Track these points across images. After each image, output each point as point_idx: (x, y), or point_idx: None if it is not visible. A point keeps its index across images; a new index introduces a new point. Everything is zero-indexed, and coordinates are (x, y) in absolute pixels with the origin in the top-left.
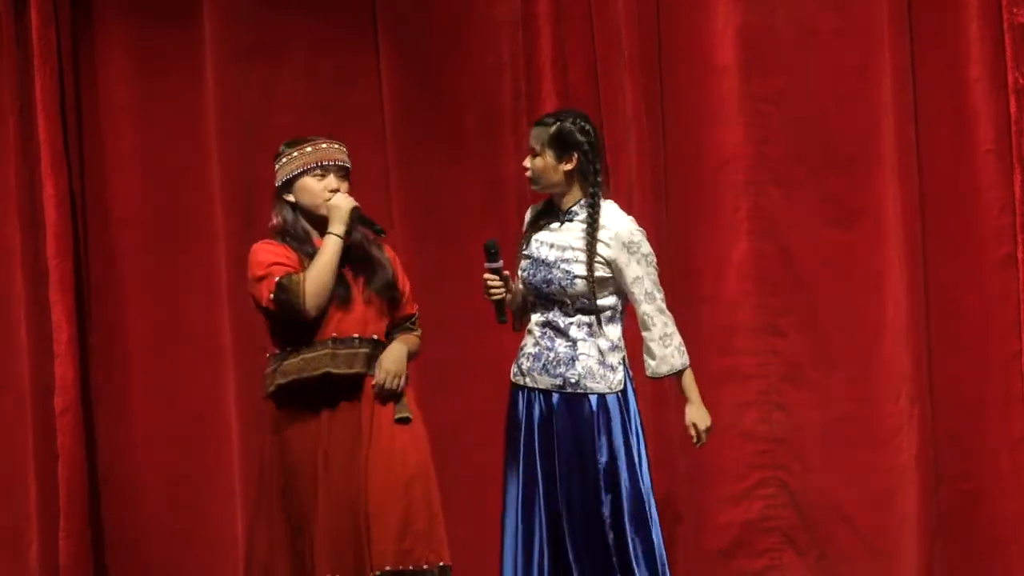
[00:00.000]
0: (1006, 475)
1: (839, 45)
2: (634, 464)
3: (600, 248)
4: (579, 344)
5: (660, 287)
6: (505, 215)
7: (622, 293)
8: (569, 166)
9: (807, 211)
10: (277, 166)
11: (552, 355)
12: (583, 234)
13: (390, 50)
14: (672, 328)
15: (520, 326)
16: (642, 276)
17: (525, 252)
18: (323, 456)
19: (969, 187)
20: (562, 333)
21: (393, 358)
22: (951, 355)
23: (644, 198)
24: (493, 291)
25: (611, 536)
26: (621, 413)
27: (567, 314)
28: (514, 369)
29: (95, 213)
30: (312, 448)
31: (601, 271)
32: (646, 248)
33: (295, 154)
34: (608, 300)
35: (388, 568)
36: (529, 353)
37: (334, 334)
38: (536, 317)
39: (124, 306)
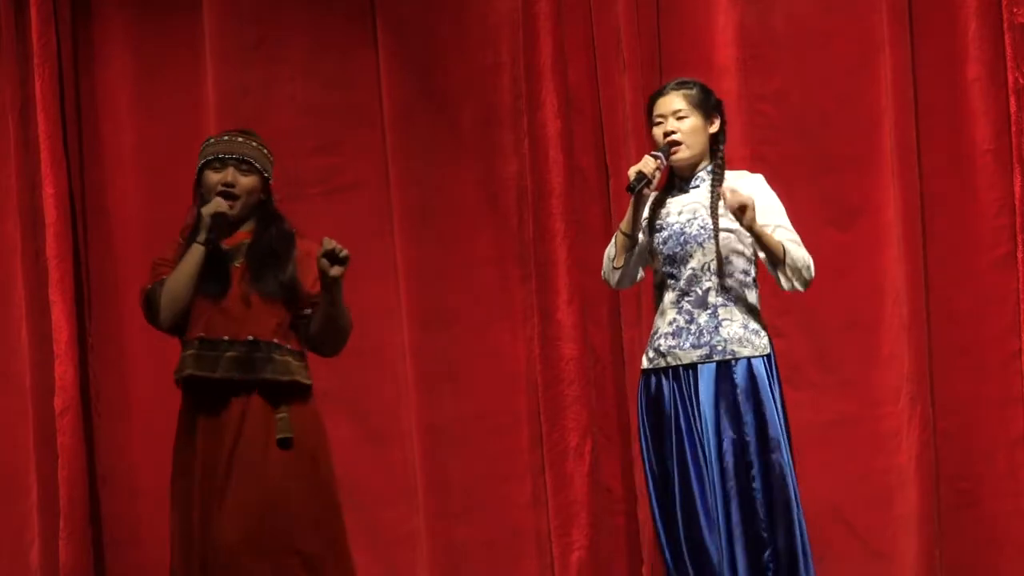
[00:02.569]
0: (1004, 475)
1: (838, 45)
2: (780, 434)
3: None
4: (719, 310)
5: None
6: (504, 214)
7: (755, 258)
8: (714, 128)
9: (806, 211)
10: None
11: (694, 327)
12: (711, 189)
13: (389, 49)
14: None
15: (628, 274)
16: (782, 222)
17: (658, 225)
18: (199, 468)
19: (968, 187)
20: (701, 303)
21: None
22: (950, 355)
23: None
24: (647, 165)
25: (762, 512)
26: (768, 379)
27: (705, 279)
28: (649, 355)
29: (95, 213)
30: (190, 457)
31: (734, 223)
32: (775, 195)
33: (204, 147)
34: (742, 262)
35: None
36: (666, 333)
37: (201, 334)
38: (668, 297)
39: (124, 306)
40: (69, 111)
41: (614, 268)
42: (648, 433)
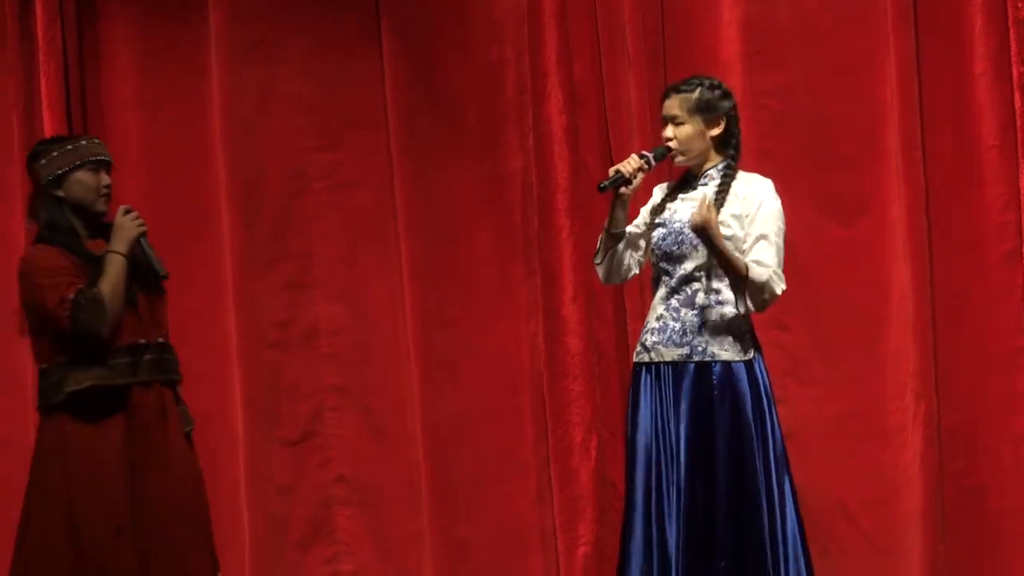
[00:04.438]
0: (1008, 471)
1: (843, 40)
2: (763, 440)
3: (732, 203)
4: (706, 311)
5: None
6: (509, 211)
7: None
8: (716, 131)
9: (811, 207)
10: (41, 163)
11: (678, 325)
12: (716, 190)
13: (393, 45)
14: (777, 284)
15: (613, 270)
16: (768, 233)
17: (658, 221)
18: (132, 469)
19: (973, 183)
20: (688, 302)
21: None
22: (954, 351)
23: (649, 193)
24: (627, 165)
25: (722, 521)
26: (748, 385)
27: (694, 280)
28: (637, 349)
29: None
30: (117, 461)
31: (730, 229)
32: (778, 206)
33: (68, 148)
34: None
35: None
36: (653, 328)
37: (130, 341)
38: (660, 293)
39: None
40: (74, 108)
41: (596, 264)
42: (632, 425)
